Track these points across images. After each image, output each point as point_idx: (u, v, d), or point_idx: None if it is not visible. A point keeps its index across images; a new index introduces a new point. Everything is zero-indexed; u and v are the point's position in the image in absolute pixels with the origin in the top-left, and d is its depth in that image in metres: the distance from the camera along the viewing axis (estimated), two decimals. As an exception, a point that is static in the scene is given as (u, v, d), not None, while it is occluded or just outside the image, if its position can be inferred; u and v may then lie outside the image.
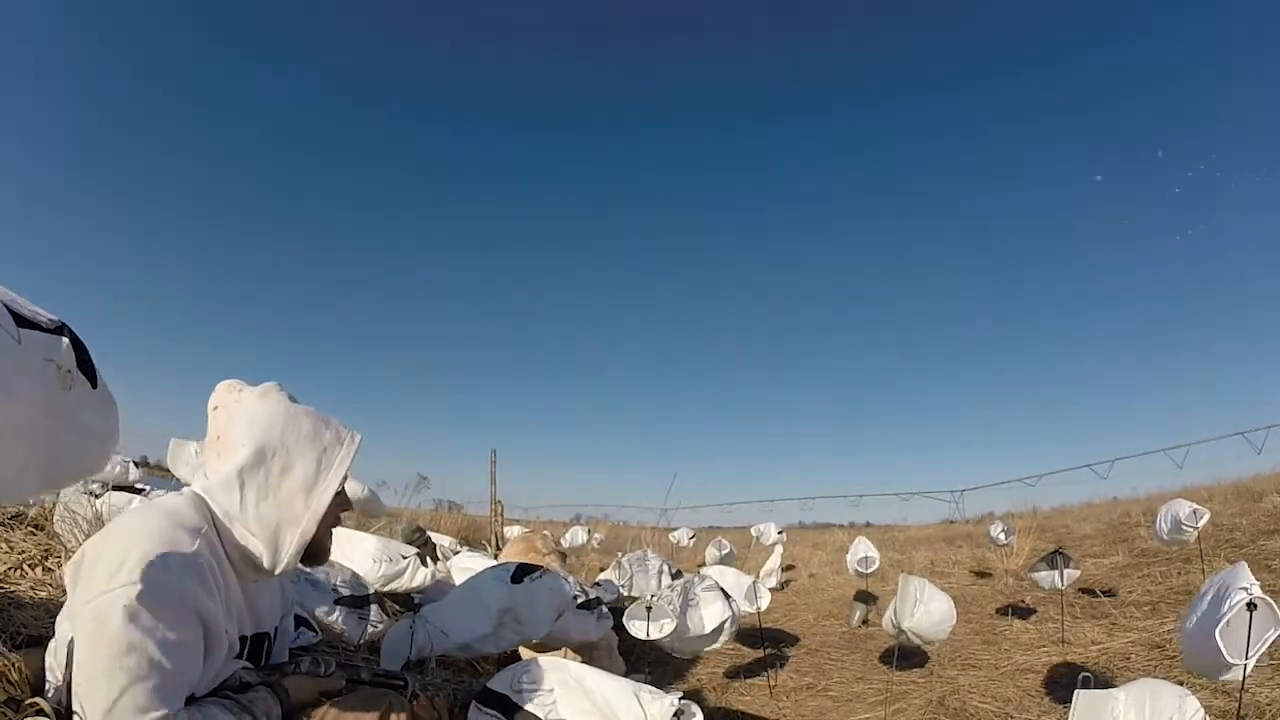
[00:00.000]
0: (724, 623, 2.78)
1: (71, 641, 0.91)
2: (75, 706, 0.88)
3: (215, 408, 1.08)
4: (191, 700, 0.97)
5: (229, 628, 1.05)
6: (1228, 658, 1.76)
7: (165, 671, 0.89)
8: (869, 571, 5.47)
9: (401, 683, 1.24)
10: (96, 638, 0.88)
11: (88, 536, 1.89)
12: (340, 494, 1.16)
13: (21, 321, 0.67)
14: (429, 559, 2.95)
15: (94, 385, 0.77)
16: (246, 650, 1.13)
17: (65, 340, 0.72)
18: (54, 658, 1.01)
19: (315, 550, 1.14)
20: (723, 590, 2.86)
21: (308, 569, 1.50)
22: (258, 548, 1.07)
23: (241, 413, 1.07)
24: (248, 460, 1.05)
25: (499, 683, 1.38)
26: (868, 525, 14.51)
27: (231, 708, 0.99)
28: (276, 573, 1.10)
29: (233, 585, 1.06)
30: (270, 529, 1.07)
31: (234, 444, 1.06)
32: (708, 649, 3.09)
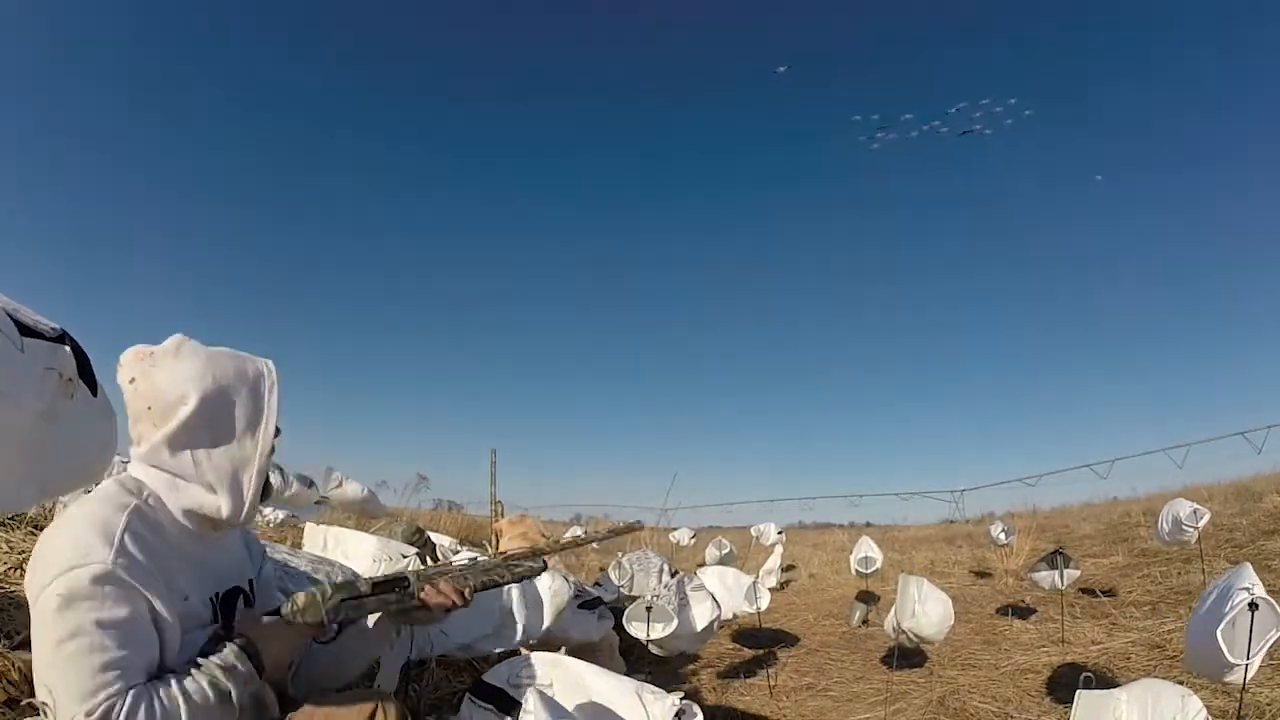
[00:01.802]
0: (712, 622, 2.81)
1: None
2: (39, 697, 0.89)
3: (132, 379, 1.04)
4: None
5: (189, 594, 1.04)
6: (1229, 658, 1.76)
7: (108, 649, 0.90)
8: (869, 571, 5.47)
9: (405, 582, 1.23)
10: (40, 629, 0.90)
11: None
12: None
13: (24, 330, 0.67)
14: (429, 559, 2.94)
15: (94, 393, 0.77)
16: (220, 608, 1.12)
17: (67, 348, 0.73)
18: None
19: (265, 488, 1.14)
20: (709, 591, 2.88)
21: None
22: (216, 503, 1.05)
23: (164, 373, 1.04)
24: (191, 417, 1.03)
25: (495, 676, 1.37)
26: (868, 525, 14.50)
27: (197, 676, 0.98)
28: (242, 519, 1.09)
29: (183, 551, 1.05)
30: (228, 477, 1.06)
31: (170, 406, 1.03)
32: (695, 648, 3.12)
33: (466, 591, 1.28)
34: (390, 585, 1.21)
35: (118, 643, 0.91)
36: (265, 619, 1.11)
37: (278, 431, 1.15)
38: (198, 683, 0.98)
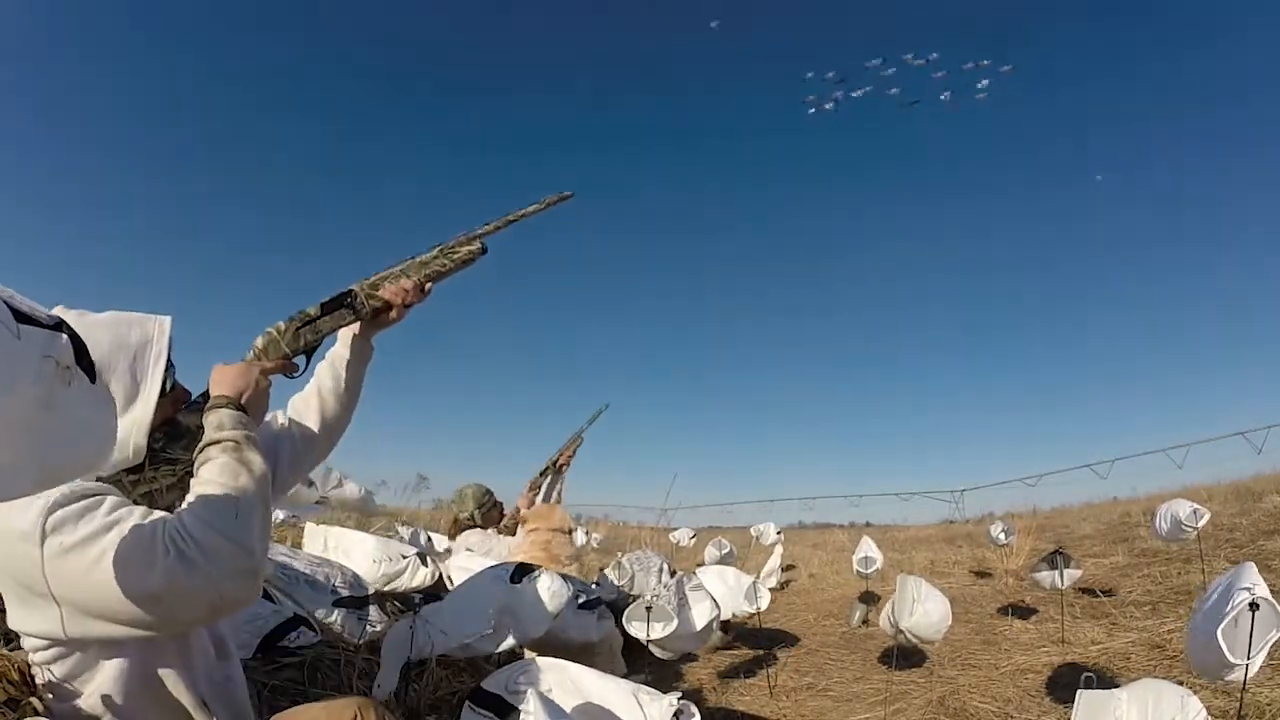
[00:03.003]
0: (712, 621, 2.80)
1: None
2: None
3: None
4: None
5: None
6: (1230, 658, 1.76)
7: (125, 517, 0.89)
8: (870, 572, 5.46)
9: (350, 294, 1.26)
10: (30, 572, 0.87)
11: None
12: (175, 387, 1.12)
13: (20, 317, 0.66)
14: (429, 559, 2.94)
15: (93, 380, 0.77)
16: None
17: (64, 337, 0.72)
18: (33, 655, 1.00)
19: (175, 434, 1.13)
20: (709, 590, 2.87)
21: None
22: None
23: None
24: None
25: (493, 683, 1.37)
26: (868, 525, 14.51)
27: (210, 454, 0.98)
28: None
29: None
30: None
31: None
32: (695, 649, 3.10)
33: (426, 285, 1.30)
34: (337, 301, 1.25)
35: (125, 509, 0.90)
36: (230, 365, 1.14)
37: (189, 395, 1.14)
38: (217, 462, 0.98)
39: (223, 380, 1.12)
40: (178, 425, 1.13)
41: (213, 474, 0.97)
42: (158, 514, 0.92)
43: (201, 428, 1.06)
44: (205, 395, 1.14)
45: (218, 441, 1.01)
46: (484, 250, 1.34)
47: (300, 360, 1.25)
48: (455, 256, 1.32)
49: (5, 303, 0.65)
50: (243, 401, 1.09)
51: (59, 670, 0.96)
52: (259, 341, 1.20)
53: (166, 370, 1.07)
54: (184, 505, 0.94)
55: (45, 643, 0.95)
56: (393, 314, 1.30)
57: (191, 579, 0.87)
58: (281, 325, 1.22)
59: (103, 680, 0.96)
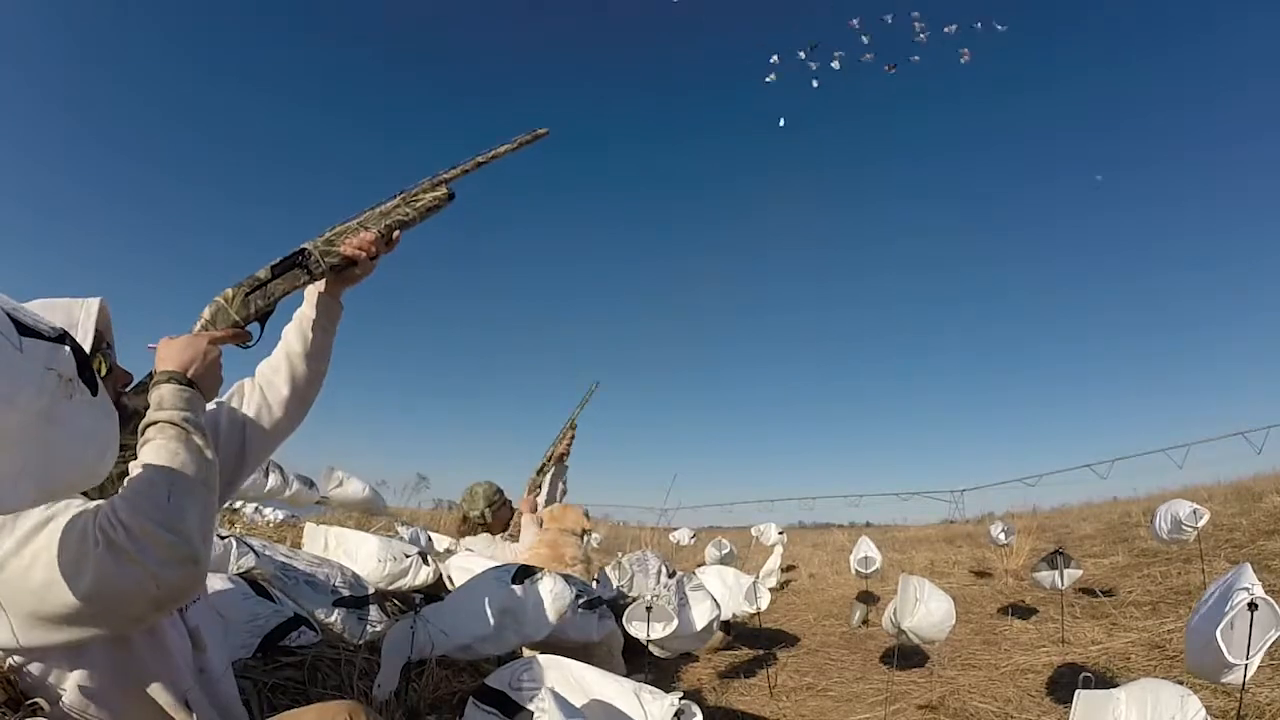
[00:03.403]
0: (712, 621, 2.79)
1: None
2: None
3: None
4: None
5: None
6: (1229, 658, 1.76)
7: (60, 512, 0.85)
8: (869, 572, 5.46)
9: (303, 253, 1.19)
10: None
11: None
12: (111, 370, 1.07)
13: (23, 330, 0.67)
14: (429, 558, 2.94)
15: (94, 394, 0.77)
16: None
17: (66, 349, 0.72)
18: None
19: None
20: (709, 590, 2.87)
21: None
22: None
23: None
24: None
25: (497, 680, 1.38)
26: (868, 525, 14.53)
27: (152, 436, 0.93)
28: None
29: None
30: None
31: None
32: (695, 648, 3.11)
33: (394, 234, 1.24)
34: (289, 262, 1.18)
35: (61, 504, 0.86)
36: (177, 338, 1.07)
37: (130, 378, 1.08)
38: (154, 443, 0.93)
39: (168, 355, 1.06)
40: (124, 409, 1.08)
41: (147, 456, 0.93)
42: (94, 504, 0.89)
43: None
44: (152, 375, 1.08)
45: (156, 422, 0.97)
46: (451, 196, 1.26)
47: (254, 328, 1.19)
48: (419, 204, 1.24)
49: (9, 315, 0.65)
50: (190, 375, 1.04)
51: (30, 677, 0.92)
52: (206, 311, 1.14)
53: (98, 353, 1.03)
54: (119, 491, 0.90)
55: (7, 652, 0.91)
56: (358, 269, 1.25)
57: (123, 569, 0.83)
58: (230, 292, 1.15)
59: (77, 684, 0.93)
